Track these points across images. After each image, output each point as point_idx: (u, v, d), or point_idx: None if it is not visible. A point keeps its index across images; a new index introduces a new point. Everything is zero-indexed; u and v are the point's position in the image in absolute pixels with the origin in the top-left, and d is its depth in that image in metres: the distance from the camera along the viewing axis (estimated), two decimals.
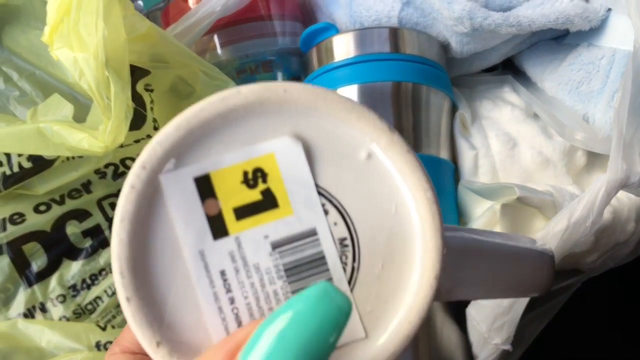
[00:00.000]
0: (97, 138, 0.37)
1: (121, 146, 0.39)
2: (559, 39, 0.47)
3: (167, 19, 0.50)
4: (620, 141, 0.36)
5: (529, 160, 0.45)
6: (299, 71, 0.51)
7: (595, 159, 0.45)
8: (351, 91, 0.44)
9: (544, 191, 0.42)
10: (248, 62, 0.49)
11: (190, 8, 0.48)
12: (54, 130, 0.37)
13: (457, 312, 0.42)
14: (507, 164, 0.45)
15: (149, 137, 0.42)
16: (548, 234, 0.38)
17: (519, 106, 0.48)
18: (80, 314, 0.44)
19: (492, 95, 0.49)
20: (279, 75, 0.50)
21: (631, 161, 0.36)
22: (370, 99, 0.44)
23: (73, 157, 0.41)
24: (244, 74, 0.49)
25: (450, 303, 0.42)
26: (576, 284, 0.45)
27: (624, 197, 0.42)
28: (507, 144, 0.46)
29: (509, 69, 0.51)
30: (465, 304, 0.41)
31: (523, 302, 0.39)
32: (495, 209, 0.41)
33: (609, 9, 0.43)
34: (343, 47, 0.45)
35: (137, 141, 0.42)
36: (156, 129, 0.42)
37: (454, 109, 0.47)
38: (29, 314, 0.43)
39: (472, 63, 0.50)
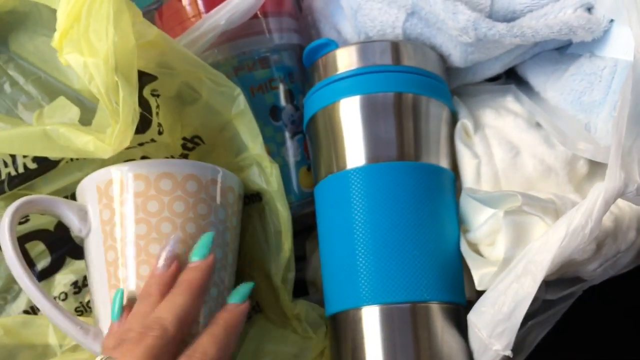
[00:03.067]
0: (103, 141, 0.38)
1: (126, 148, 0.39)
2: (561, 49, 0.48)
3: (162, 19, 0.50)
4: (619, 150, 0.36)
5: (531, 168, 0.45)
6: (295, 67, 0.51)
7: (597, 168, 0.45)
8: (354, 102, 0.44)
9: (546, 199, 0.42)
10: (245, 59, 0.49)
11: (184, 7, 0.49)
12: (60, 133, 0.38)
13: (458, 318, 0.42)
14: (509, 173, 0.45)
15: (153, 141, 0.42)
16: (547, 241, 0.38)
17: (522, 115, 0.48)
18: (82, 311, 0.44)
19: (495, 104, 0.49)
20: (276, 71, 0.50)
21: (630, 170, 0.36)
22: (372, 110, 0.44)
23: (77, 158, 0.42)
24: (241, 71, 0.49)
25: (450, 310, 0.42)
26: (577, 292, 0.45)
27: (625, 206, 0.42)
28: (510, 152, 0.46)
29: (512, 78, 0.51)
30: (466, 310, 0.41)
31: (523, 308, 0.39)
32: (498, 216, 0.41)
33: (612, 20, 0.43)
34: (346, 60, 0.46)
35: (141, 144, 0.42)
36: (160, 133, 0.42)
37: (453, 118, 0.48)
38: (31, 312, 0.44)
39: (475, 72, 0.50)
